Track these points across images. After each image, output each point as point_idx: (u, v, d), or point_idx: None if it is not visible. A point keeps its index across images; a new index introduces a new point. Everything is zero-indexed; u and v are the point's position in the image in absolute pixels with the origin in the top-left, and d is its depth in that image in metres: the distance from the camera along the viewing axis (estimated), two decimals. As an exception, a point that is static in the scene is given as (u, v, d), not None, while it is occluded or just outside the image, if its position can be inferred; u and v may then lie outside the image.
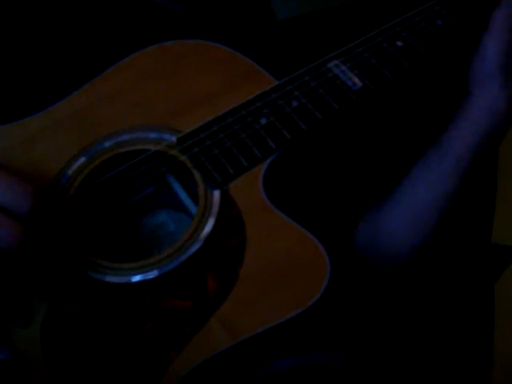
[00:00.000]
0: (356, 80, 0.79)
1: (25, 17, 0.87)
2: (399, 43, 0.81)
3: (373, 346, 0.94)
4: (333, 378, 0.69)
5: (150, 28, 0.88)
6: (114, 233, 0.77)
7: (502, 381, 1.13)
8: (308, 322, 0.69)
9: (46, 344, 0.67)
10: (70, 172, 0.74)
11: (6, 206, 0.64)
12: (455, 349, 1.03)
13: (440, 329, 1.03)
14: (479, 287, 1.05)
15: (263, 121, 0.77)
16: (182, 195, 0.77)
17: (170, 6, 0.90)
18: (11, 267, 0.67)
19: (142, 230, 0.78)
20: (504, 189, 1.05)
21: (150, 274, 0.70)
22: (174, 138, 0.76)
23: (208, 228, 0.72)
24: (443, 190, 0.84)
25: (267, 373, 0.71)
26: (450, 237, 0.92)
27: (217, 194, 0.74)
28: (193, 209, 0.75)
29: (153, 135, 0.77)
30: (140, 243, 0.78)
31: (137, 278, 0.70)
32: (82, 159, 0.75)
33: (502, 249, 1.08)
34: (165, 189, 0.78)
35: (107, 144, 0.76)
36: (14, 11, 0.86)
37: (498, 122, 0.83)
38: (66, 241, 0.72)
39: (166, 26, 0.89)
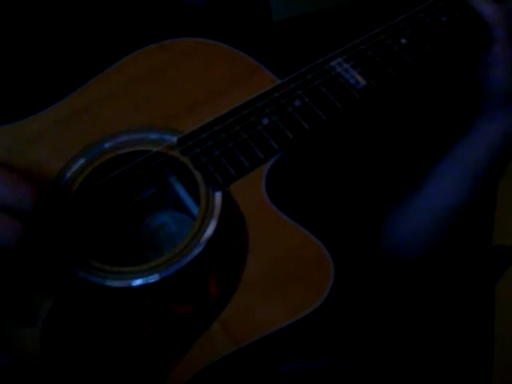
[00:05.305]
0: (359, 78, 0.78)
1: (25, 17, 0.86)
2: (403, 40, 0.80)
3: (374, 347, 0.94)
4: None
5: (148, 27, 0.87)
6: (115, 235, 0.76)
7: (502, 381, 1.13)
8: (313, 327, 0.68)
9: (46, 349, 0.66)
10: (69, 174, 0.73)
11: (8, 203, 0.63)
12: (455, 349, 1.03)
13: (440, 329, 1.03)
14: (480, 288, 1.05)
15: (265, 121, 0.75)
16: (184, 196, 0.76)
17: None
18: (9, 265, 0.65)
19: (144, 232, 0.77)
20: (504, 189, 1.05)
21: (151, 277, 0.69)
22: (174, 139, 0.75)
23: (210, 231, 0.71)
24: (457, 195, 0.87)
25: (271, 377, 0.70)
26: (450, 237, 0.92)
27: (218, 195, 0.72)
28: (195, 210, 0.74)
29: (153, 136, 0.75)
30: (141, 245, 0.77)
31: (138, 282, 0.68)
32: (82, 161, 0.74)
33: (502, 249, 1.08)
34: (166, 190, 0.77)
35: (107, 145, 0.75)
36: (13, 11, 0.86)
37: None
38: (66, 244, 0.70)
39: (165, 25, 0.88)
